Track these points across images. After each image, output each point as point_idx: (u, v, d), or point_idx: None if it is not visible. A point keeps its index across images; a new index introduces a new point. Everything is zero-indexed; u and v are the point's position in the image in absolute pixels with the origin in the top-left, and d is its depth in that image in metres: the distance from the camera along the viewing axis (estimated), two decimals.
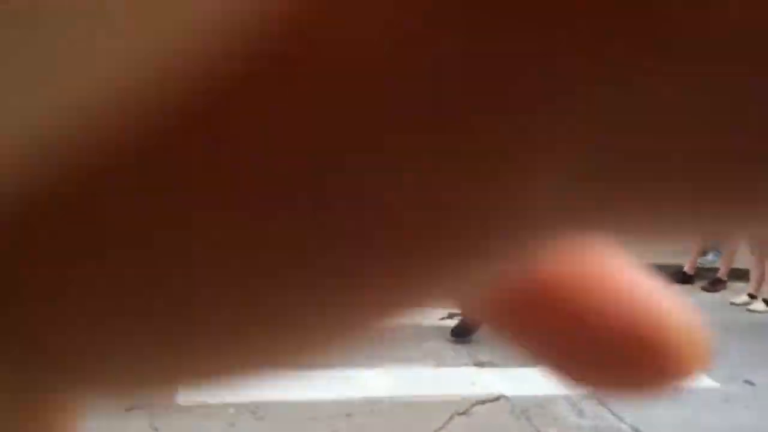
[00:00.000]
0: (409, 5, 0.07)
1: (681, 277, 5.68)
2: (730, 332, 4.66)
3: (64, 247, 0.08)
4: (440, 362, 3.81)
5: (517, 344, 0.15)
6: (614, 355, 0.14)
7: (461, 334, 4.00)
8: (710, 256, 6.02)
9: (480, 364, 3.83)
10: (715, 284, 5.60)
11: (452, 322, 4.08)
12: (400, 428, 3.40)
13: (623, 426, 3.58)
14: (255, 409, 3.60)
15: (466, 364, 3.81)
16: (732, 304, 5.24)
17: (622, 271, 0.14)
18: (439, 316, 4.15)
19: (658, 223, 0.09)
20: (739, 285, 5.53)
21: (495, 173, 0.08)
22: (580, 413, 3.62)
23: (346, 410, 3.45)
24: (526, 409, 3.66)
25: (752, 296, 5.22)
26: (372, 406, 3.51)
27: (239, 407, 3.56)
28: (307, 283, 0.09)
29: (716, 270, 5.70)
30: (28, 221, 0.08)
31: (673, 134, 0.08)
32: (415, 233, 0.09)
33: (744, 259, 5.38)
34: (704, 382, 3.83)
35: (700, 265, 5.76)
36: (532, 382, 3.67)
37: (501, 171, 0.08)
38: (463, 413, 3.61)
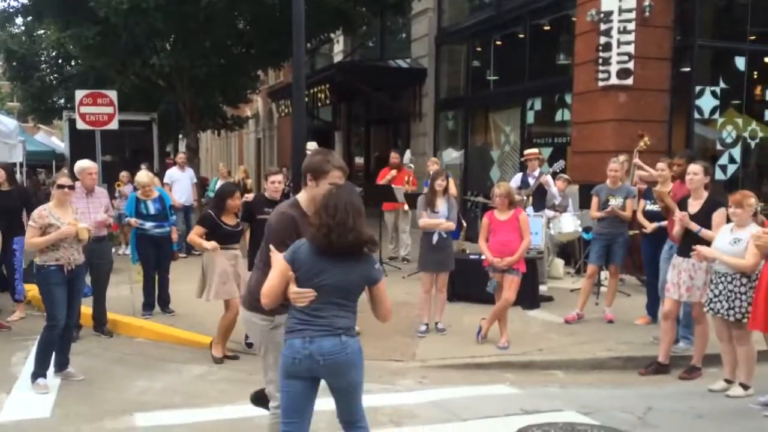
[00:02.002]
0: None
1: (657, 367, 5.69)
2: (715, 421, 4.65)
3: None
4: None
5: None
6: None
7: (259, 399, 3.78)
8: (682, 344, 6.06)
9: None
10: (691, 372, 5.61)
11: None
12: None
13: None
14: None
15: None
16: (710, 391, 5.24)
17: None
18: None
19: None
20: (713, 370, 5.55)
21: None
22: None
23: None
24: None
25: (729, 381, 5.23)
26: None
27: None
28: None
29: (690, 357, 5.73)
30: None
31: None
32: None
33: (716, 344, 5.43)
34: None
35: (673, 354, 5.79)
36: None
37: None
38: None
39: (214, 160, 37.77)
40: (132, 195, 7.71)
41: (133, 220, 7.31)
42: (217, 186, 11.86)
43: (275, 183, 6.02)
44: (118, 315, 7.13)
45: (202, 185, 15.58)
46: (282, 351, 3.17)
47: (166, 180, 11.30)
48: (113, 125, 11.35)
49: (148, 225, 7.29)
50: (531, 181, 8.44)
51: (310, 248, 3.11)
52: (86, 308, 6.88)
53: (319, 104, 16.24)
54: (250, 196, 6.39)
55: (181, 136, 19.11)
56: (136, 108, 16.19)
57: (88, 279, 6.77)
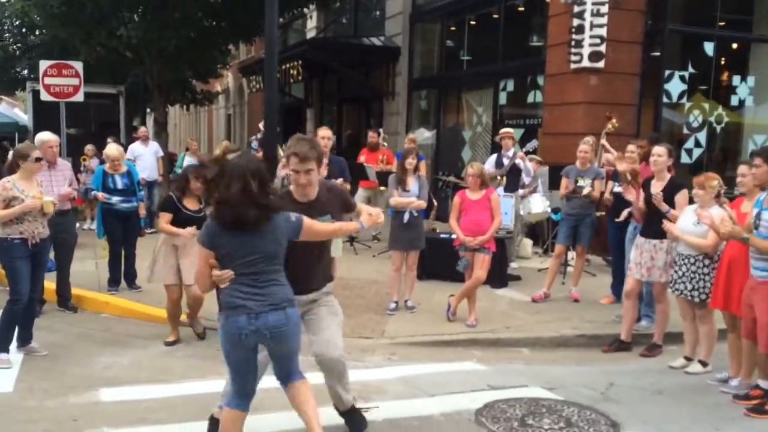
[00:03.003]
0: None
1: (619, 345, 5.82)
2: (674, 396, 4.78)
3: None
4: None
5: None
6: None
7: None
8: (644, 323, 6.20)
9: None
10: (652, 349, 5.75)
11: None
12: None
13: None
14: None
15: None
16: (670, 367, 5.38)
17: None
18: None
19: None
20: (673, 348, 5.70)
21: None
22: None
23: None
24: None
25: (688, 359, 5.38)
26: None
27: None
28: None
29: (651, 335, 5.87)
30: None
31: None
32: None
33: (677, 322, 5.57)
34: None
35: (635, 332, 5.92)
36: None
37: None
38: None
39: (182, 135, 37.19)
40: (99, 168, 7.57)
41: (100, 194, 7.17)
42: (185, 162, 11.73)
43: None
44: (82, 290, 7.03)
45: (169, 161, 15.36)
46: (224, 326, 3.24)
47: (128, 155, 11.09)
48: (78, 97, 11.09)
49: (115, 199, 7.17)
50: (505, 161, 8.47)
51: (220, 227, 3.14)
52: (50, 283, 6.77)
53: (291, 80, 16.06)
54: None
55: (149, 110, 18.77)
56: (102, 80, 15.83)
57: (52, 254, 6.67)
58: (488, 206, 6.21)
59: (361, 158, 10.62)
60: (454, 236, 6.52)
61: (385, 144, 11.24)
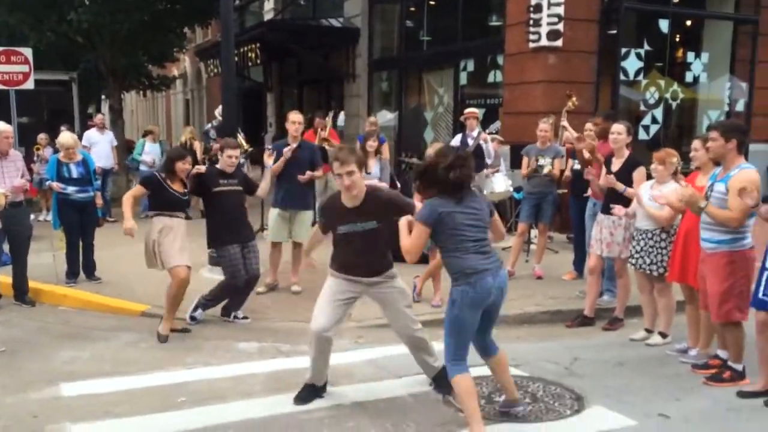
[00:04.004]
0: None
1: (582, 320, 5.92)
2: (635, 368, 4.88)
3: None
4: None
5: None
6: None
7: None
8: (606, 297, 6.32)
9: None
10: (613, 323, 5.86)
11: None
12: None
13: None
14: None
15: None
16: (632, 340, 5.49)
17: None
18: None
19: None
20: (634, 321, 5.82)
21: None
22: None
23: None
24: None
25: (648, 331, 5.50)
26: None
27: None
28: None
29: (613, 310, 5.98)
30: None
31: None
32: None
33: (638, 296, 5.68)
34: (621, 421, 3.95)
35: (598, 307, 6.02)
36: None
37: None
38: None
39: (140, 122, 36.43)
40: (53, 158, 7.34)
41: (54, 184, 6.97)
42: (147, 148, 11.46)
43: (232, 158, 5.78)
44: (40, 283, 6.85)
45: (127, 148, 15.03)
46: (468, 292, 3.57)
47: (84, 142, 10.80)
48: (29, 85, 10.75)
49: (71, 189, 6.97)
50: (470, 141, 8.48)
51: (450, 205, 3.56)
52: (5, 277, 6.59)
53: (250, 64, 15.80)
54: (202, 168, 5.89)
55: (103, 96, 18.32)
56: (53, 67, 15.35)
57: (6, 247, 6.47)
58: None
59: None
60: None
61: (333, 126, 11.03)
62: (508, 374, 4.01)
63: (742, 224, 4.33)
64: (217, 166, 5.89)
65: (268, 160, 6.28)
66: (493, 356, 3.93)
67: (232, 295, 5.80)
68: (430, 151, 6.37)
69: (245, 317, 5.94)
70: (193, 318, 5.78)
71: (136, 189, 5.65)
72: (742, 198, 4.17)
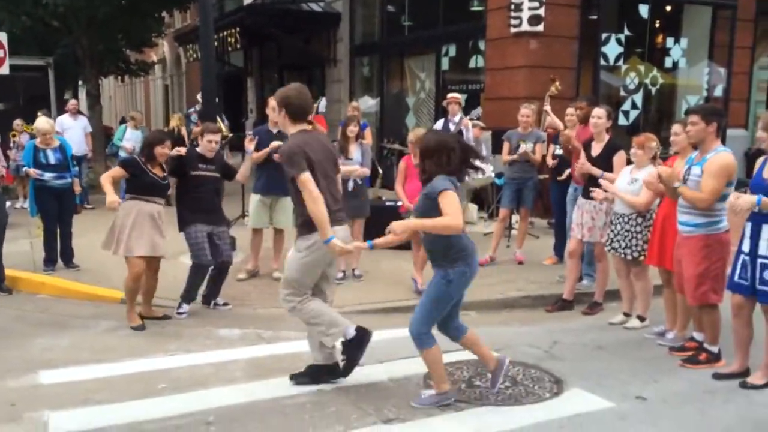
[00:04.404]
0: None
1: (562, 304, 5.97)
2: (614, 351, 4.94)
3: None
4: (347, 425, 3.73)
5: None
6: None
7: None
8: (585, 282, 6.37)
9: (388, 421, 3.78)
10: (593, 307, 5.92)
11: None
12: None
13: None
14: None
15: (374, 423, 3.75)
16: (610, 324, 5.55)
17: None
18: None
19: None
20: (614, 305, 5.88)
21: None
22: None
23: None
24: None
25: (627, 314, 5.56)
26: None
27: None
28: None
29: (592, 294, 6.03)
30: None
31: None
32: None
33: (616, 280, 5.73)
34: (599, 403, 4.00)
35: (577, 291, 6.08)
36: None
37: None
38: None
39: (118, 108, 35.96)
40: (30, 143, 7.22)
41: (31, 171, 6.87)
42: (126, 134, 11.31)
43: (212, 143, 5.70)
44: (17, 271, 6.76)
45: (105, 135, 14.82)
46: (464, 271, 3.80)
47: (56, 127, 10.64)
48: (4, 70, 10.57)
49: (48, 176, 6.88)
50: (452, 126, 8.46)
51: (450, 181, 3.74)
52: None
53: (230, 49, 15.62)
54: (182, 150, 5.81)
55: (81, 82, 18.02)
56: (29, 52, 15.04)
57: None
58: None
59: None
60: (399, 203, 6.51)
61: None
62: (484, 344, 4.20)
63: (711, 206, 4.39)
64: (197, 149, 5.84)
65: (249, 145, 6.23)
66: (465, 335, 4.10)
67: (202, 278, 5.75)
68: (412, 136, 6.37)
69: (226, 304, 5.92)
70: (180, 313, 5.72)
71: (116, 170, 5.52)
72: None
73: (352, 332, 4.11)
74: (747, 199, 4.05)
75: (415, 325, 3.88)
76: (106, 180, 5.38)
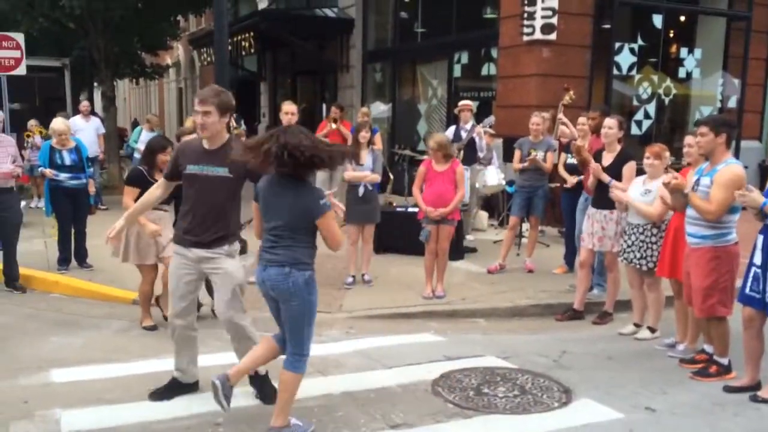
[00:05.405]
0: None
1: (572, 313, 5.96)
2: (623, 362, 4.93)
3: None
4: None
5: None
6: None
7: None
8: (595, 291, 6.36)
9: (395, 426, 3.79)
10: (603, 317, 5.91)
11: None
12: None
13: None
14: None
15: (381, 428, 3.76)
16: (620, 334, 5.54)
17: None
18: None
19: None
20: (624, 316, 5.87)
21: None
22: None
23: None
24: None
25: (637, 325, 5.55)
26: None
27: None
28: None
29: (603, 304, 6.02)
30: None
31: None
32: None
33: (628, 290, 5.72)
34: (608, 414, 4.00)
35: (588, 301, 6.07)
36: None
37: None
38: None
39: (132, 109, 36.19)
40: (46, 144, 7.30)
41: (47, 171, 6.94)
42: (142, 137, 11.40)
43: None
44: (31, 270, 6.83)
45: (120, 137, 14.93)
46: (314, 276, 3.56)
47: None
48: (21, 70, 10.67)
49: (63, 176, 6.95)
50: (463, 134, 8.47)
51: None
52: None
53: (243, 53, 15.73)
54: None
55: (96, 84, 18.18)
56: (46, 53, 15.22)
57: None
58: (453, 178, 6.21)
59: (322, 132, 10.48)
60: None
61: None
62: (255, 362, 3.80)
63: (718, 217, 4.38)
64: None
65: None
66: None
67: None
68: (432, 142, 6.37)
69: None
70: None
71: (129, 192, 5.23)
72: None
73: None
74: (755, 196, 4.05)
75: (296, 346, 3.55)
76: (131, 209, 4.50)
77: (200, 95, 3.79)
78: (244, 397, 4.10)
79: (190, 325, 4.04)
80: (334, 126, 10.41)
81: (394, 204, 9.21)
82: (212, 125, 3.75)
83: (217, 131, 3.80)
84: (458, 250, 7.74)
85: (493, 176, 8.83)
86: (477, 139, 8.52)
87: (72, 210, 7.07)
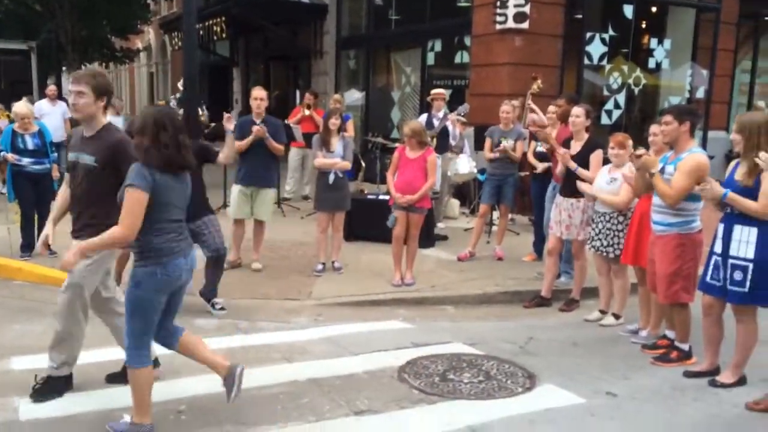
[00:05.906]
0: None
1: (539, 301, 6.02)
2: (588, 348, 4.99)
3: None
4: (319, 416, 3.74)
5: None
6: None
7: None
8: (563, 279, 6.42)
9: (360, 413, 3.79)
10: (569, 304, 5.97)
11: None
12: None
13: None
14: None
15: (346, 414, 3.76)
16: (586, 320, 5.61)
17: None
18: None
19: None
20: (590, 302, 5.94)
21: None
22: None
23: None
24: None
25: (603, 312, 5.62)
26: None
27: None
28: None
29: (570, 291, 6.09)
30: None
31: None
32: None
33: (594, 278, 5.79)
34: (570, 399, 4.04)
35: (555, 288, 6.12)
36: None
37: None
38: None
39: None
40: (8, 128, 7.14)
41: (9, 156, 6.79)
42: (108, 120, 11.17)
43: None
44: None
45: None
46: (157, 272, 3.29)
47: (35, 113, 10.50)
48: None
49: (26, 161, 6.81)
50: (436, 122, 8.46)
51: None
52: None
53: (215, 38, 15.52)
54: None
55: (64, 68, 17.82)
56: (12, 36, 14.87)
57: None
58: (423, 166, 6.20)
59: (295, 118, 10.41)
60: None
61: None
62: (206, 348, 3.72)
63: (676, 203, 4.44)
64: None
65: (228, 124, 5.95)
66: (180, 339, 3.63)
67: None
68: (407, 129, 6.34)
69: (222, 308, 5.57)
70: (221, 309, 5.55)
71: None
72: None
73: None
74: (716, 188, 4.11)
75: (126, 338, 3.42)
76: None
77: (74, 75, 3.74)
78: (206, 384, 4.07)
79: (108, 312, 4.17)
80: (307, 112, 10.36)
81: (366, 191, 9.19)
82: (85, 106, 3.68)
83: (90, 114, 3.71)
84: (429, 237, 7.75)
85: (464, 164, 8.84)
86: (450, 127, 8.52)
87: (35, 195, 6.93)
